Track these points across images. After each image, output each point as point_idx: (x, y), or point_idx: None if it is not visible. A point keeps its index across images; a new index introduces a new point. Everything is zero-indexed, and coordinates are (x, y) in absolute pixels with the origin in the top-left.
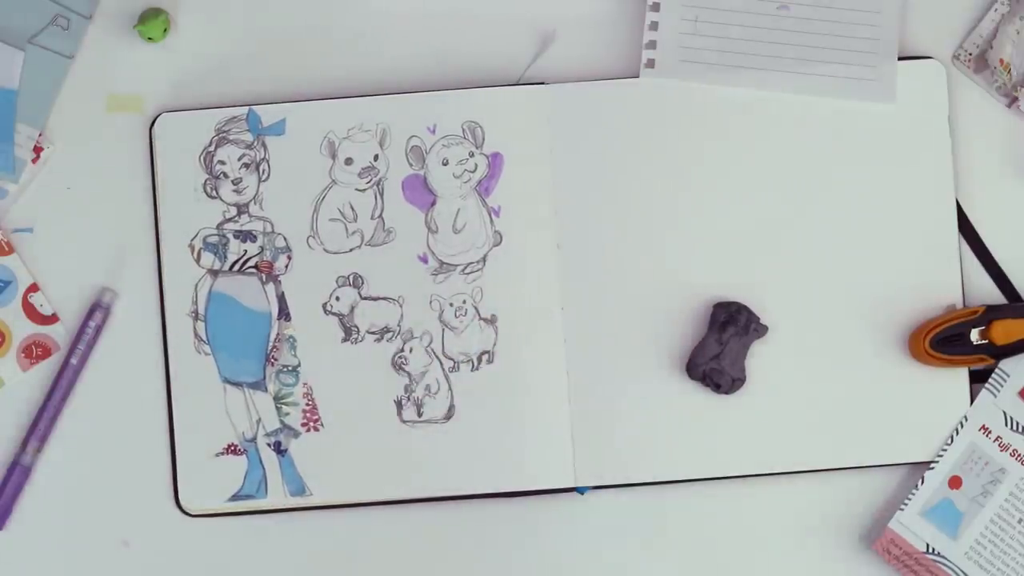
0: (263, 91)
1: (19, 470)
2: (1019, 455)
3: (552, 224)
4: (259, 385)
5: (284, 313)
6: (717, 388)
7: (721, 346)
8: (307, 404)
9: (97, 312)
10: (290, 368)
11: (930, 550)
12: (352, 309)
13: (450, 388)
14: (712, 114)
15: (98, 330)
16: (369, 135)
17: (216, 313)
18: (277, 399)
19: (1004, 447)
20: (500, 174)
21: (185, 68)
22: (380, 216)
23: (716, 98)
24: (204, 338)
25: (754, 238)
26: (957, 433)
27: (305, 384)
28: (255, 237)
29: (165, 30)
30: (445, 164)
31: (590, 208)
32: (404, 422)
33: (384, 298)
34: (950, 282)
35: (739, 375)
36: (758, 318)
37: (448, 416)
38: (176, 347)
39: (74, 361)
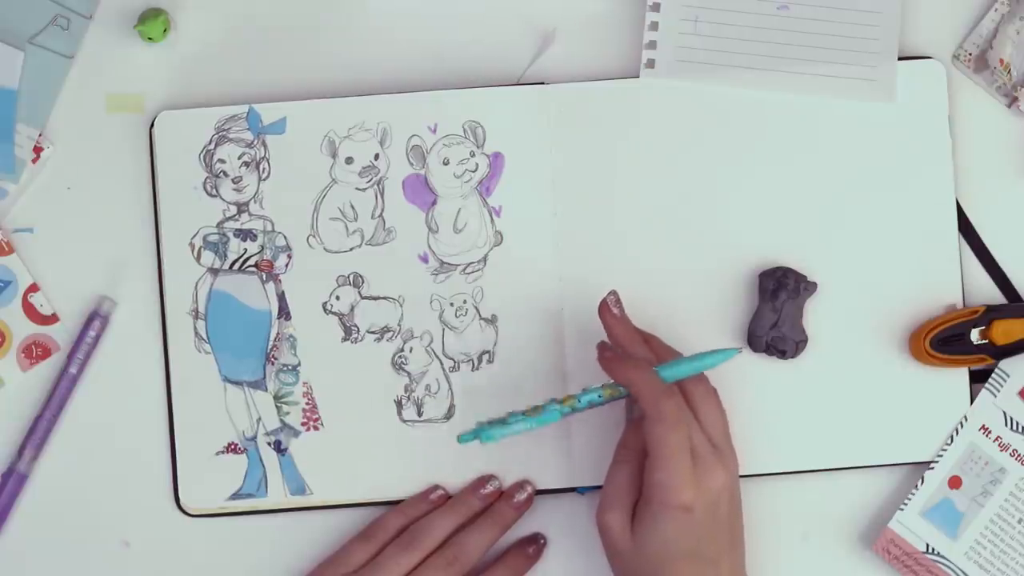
0: (263, 90)
1: (15, 477)
2: (1019, 455)
3: (552, 224)
4: (259, 384)
5: (284, 312)
6: (782, 355)
7: (776, 313)
8: (307, 403)
9: (95, 321)
10: (290, 367)
11: (930, 550)
12: (352, 308)
13: (450, 388)
14: (712, 114)
15: (96, 340)
16: (370, 134)
17: (216, 312)
18: (277, 398)
19: (1004, 447)
20: (501, 174)
21: (185, 68)
22: (380, 215)
23: (716, 98)
24: (204, 337)
25: (753, 239)
26: (957, 433)
27: (305, 383)
28: (255, 236)
29: (165, 30)
30: (446, 164)
31: (590, 208)
32: (404, 422)
33: (384, 298)
34: (950, 282)
35: (801, 337)
36: (805, 277)
37: (448, 416)
38: (176, 346)
39: (72, 371)
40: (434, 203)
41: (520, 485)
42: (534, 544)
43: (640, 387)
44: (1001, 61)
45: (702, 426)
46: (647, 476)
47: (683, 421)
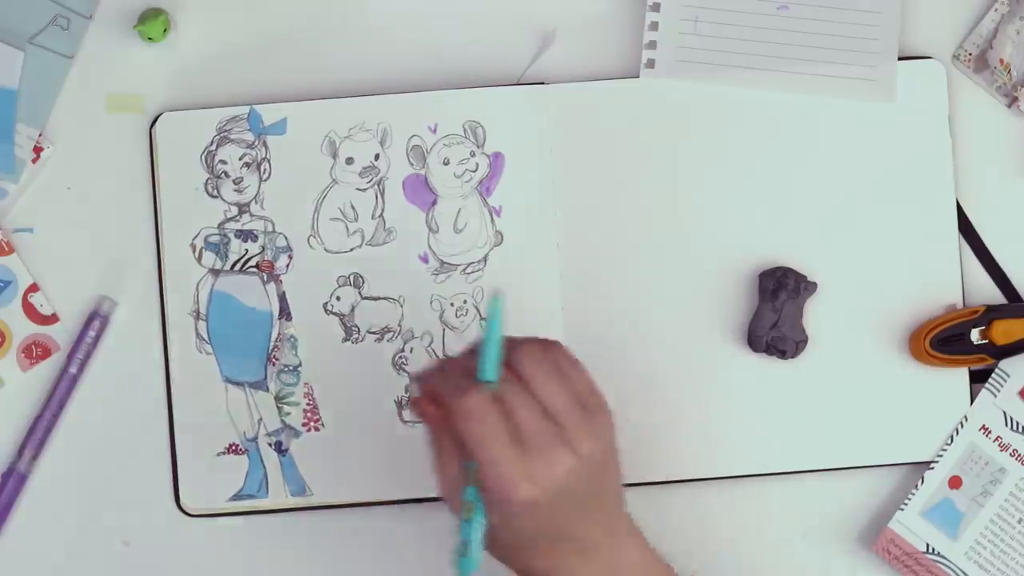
0: (264, 90)
1: (15, 477)
2: (1019, 455)
3: (552, 224)
4: (260, 385)
5: (285, 313)
6: (782, 355)
7: (777, 313)
8: (308, 404)
9: (95, 321)
10: (291, 368)
11: (930, 550)
12: (353, 309)
13: None
14: (712, 114)
15: (96, 339)
16: (370, 134)
17: (217, 312)
18: (278, 399)
19: (1004, 447)
20: (501, 174)
21: (185, 68)
22: (381, 216)
23: (716, 98)
24: (205, 337)
25: (753, 239)
26: (957, 433)
27: (306, 384)
28: (256, 236)
29: (165, 30)
30: (446, 164)
31: (590, 208)
32: (404, 422)
33: (385, 298)
34: (950, 282)
35: (801, 337)
36: (805, 277)
37: None
38: (177, 346)
39: (72, 371)
40: (434, 203)
41: None
42: None
43: (440, 396)
44: (1001, 61)
45: (539, 401)
46: (480, 471)
47: (486, 413)
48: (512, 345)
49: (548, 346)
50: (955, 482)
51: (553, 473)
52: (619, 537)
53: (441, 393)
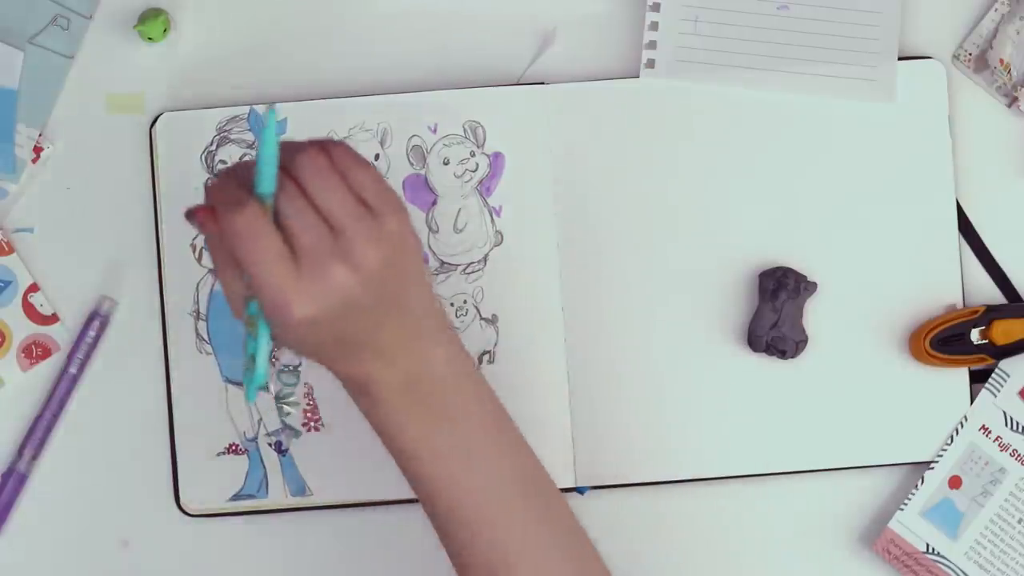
0: (264, 90)
1: (15, 477)
2: (1019, 455)
3: (552, 224)
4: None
5: None
6: (782, 355)
7: (777, 313)
8: (308, 404)
9: (95, 321)
10: (291, 368)
11: (930, 550)
12: None
13: None
14: (712, 114)
15: (96, 340)
16: (370, 135)
17: (218, 312)
18: (278, 399)
19: (1004, 447)
20: (501, 174)
21: (185, 68)
22: None
23: (716, 98)
24: (205, 337)
25: (753, 239)
26: (957, 433)
27: (306, 384)
28: None
29: (165, 30)
30: (446, 164)
31: (590, 208)
32: None
33: None
34: (950, 282)
35: (801, 337)
36: (805, 277)
37: None
38: (177, 346)
39: (72, 371)
40: (434, 203)
41: None
42: None
43: (216, 209)
44: (1001, 61)
45: (318, 208)
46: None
47: (257, 231)
48: (291, 150)
49: (329, 147)
50: (955, 482)
51: (328, 289)
52: (422, 342)
53: (216, 206)
